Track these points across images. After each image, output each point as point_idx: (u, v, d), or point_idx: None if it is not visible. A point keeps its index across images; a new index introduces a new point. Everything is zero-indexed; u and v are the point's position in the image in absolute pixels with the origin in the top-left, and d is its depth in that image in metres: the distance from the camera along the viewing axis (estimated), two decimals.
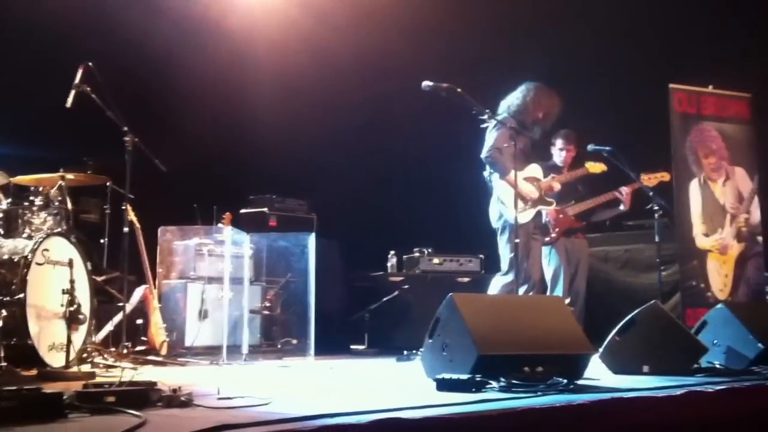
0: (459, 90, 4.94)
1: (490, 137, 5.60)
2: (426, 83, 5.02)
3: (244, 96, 7.32)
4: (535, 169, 5.77)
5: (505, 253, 5.64)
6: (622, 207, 5.92)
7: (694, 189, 6.44)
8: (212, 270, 6.21)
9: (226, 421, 2.34)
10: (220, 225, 6.06)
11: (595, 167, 5.95)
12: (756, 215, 6.63)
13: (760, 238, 6.61)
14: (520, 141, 5.62)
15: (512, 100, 5.75)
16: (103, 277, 5.60)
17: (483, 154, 5.58)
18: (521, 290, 5.56)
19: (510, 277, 5.53)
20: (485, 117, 4.96)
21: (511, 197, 5.48)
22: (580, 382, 3.82)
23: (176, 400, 2.80)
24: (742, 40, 7.01)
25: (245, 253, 6.09)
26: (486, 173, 5.79)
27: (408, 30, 7.61)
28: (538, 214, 5.76)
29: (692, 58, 6.94)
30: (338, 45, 7.52)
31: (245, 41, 7.28)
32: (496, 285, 5.67)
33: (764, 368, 4.54)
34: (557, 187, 5.76)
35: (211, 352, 5.76)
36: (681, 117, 6.49)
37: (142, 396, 2.79)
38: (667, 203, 6.02)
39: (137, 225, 5.58)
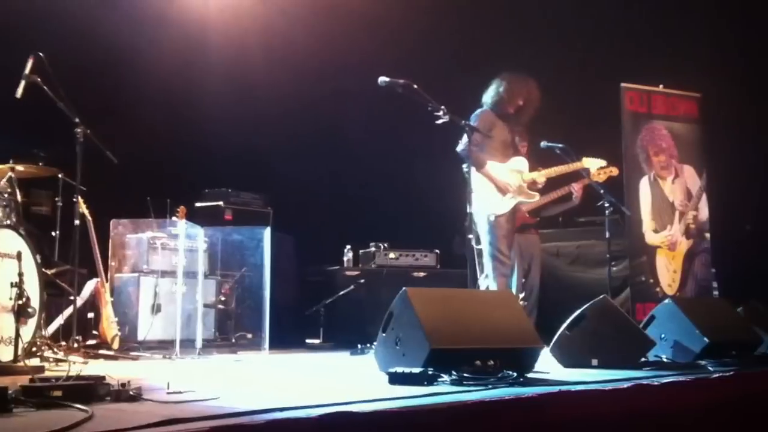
0: (415, 86, 4.95)
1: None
2: (382, 79, 5.02)
3: (199, 88, 7.24)
4: (519, 162, 5.74)
5: (484, 246, 5.63)
6: (574, 199, 5.94)
7: (644, 186, 6.57)
8: (166, 264, 6.14)
9: (174, 416, 2.33)
10: (174, 218, 6.00)
11: (591, 162, 5.88)
12: (704, 212, 6.78)
13: (707, 235, 6.77)
14: (500, 133, 5.67)
15: (489, 93, 5.76)
16: (53, 270, 5.50)
17: (458, 148, 5.57)
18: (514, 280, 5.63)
19: (490, 267, 5.53)
20: (440, 113, 4.97)
21: (488, 189, 5.50)
22: (530, 375, 3.88)
23: (124, 394, 2.77)
24: (692, 40, 7.15)
25: (199, 247, 6.04)
26: (464, 166, 5.75)
27: (368, 24, 7.61)
28: (561, 200, 5.81)
29: (643, 57, 7.07)
30: (296, 38, 7.49)
31: (201, 32, 7.21)
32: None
33: (709, 362, 4.65)
34: (542, 180, 5.74)
35: (164, 346, 5.71)
36: (632, 116, 6.61)
37: (90, 390, 2.76)
38: (618, 200, 6.12)
39: (89, 218, 5.50)
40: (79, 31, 6.34)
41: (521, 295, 5.71)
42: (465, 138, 5.51)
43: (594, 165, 5.90)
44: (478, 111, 5.70)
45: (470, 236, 5.08)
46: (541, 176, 5.72)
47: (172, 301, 5.86)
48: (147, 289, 6.06)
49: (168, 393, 3.02)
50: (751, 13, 7.21)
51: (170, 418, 2.28)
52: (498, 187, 5.57)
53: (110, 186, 5.91)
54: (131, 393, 2.79)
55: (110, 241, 6.11)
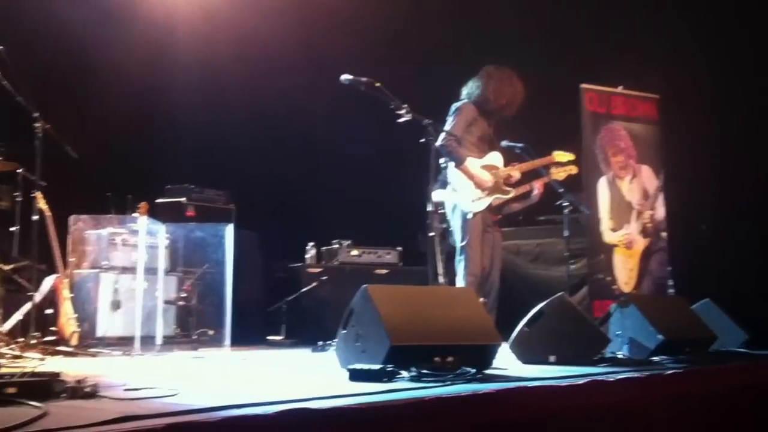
0: (378, 84, 4.96)
1: (447, 123, 5.59)
2: (345, 77, 5.02)
3: (162, 83, 7.19)
4: (495, 157, 5.71)
5: (456, 241, 5.64)
6: (533, 196, 5.94)
7: (603, 186, 6.66)
8: (126, 260, 6.10)
9: (130, 413, 2.32)
10: (135, 214, 5.94)
11: (563, 155, 5.91)
12: (661, 212, 6.90)
13: (664, 234, 6.89)
14: (478, 128, 5.67)
15: (472, 87, 5.70)
16: (11, 266, 5.44)
17: (438, 143, 5.49)
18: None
19: (462, 263, 5.55)
20: (402, 112, 5.00)
21: (466, 186, 5.51)
22: (489, 371, 3.93)
23: (80, 391, 2.75)
24: (652, 42, 7.27)
25: (160, 243, 6.00)
26: (442, 161, 5.76)
27: (335, 21, 7.61)
28: (521, 198, 5.77)
29: (603, 58, 7.16)
30: (262, 34, 7.46)
31: (165, 26, 7.14)
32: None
33: (664, 359, 4.76)
34: (516, 175, 5.71)
35: (124, 342, 5.66)
36: (591, 116, 6.70)
37: (45, 387, 2.73)
38: (577, 199, 6.20)
39: (48, 213, 5.43)
40: (39, 22, 6.26)
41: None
42: (446, 128, 5.55)
43: (565, 158, 5.93)
44: (459, 103, 5.67)
45: (431, 234, 5.11)
46: (515, 171, 5.71)
47: (132, 297, 5.82)
48: (107, 285, 6.02)
49: (125, 390, 3.01)
50: (709, 15, 7.35)
51: (126, 415, 2.27)
52: (476, 184, 5.56)
53: (70, 181, 5.85)
54: (87, 390, 2.77)
55: (70, 237, 6.05)
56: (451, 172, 5.61)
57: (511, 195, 5.73)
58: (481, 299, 5.58)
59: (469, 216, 5.55)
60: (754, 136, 7.18)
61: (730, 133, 7.22)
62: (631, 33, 7.37)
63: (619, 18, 7.48)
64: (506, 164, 5.73)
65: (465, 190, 5.55)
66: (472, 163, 5.57)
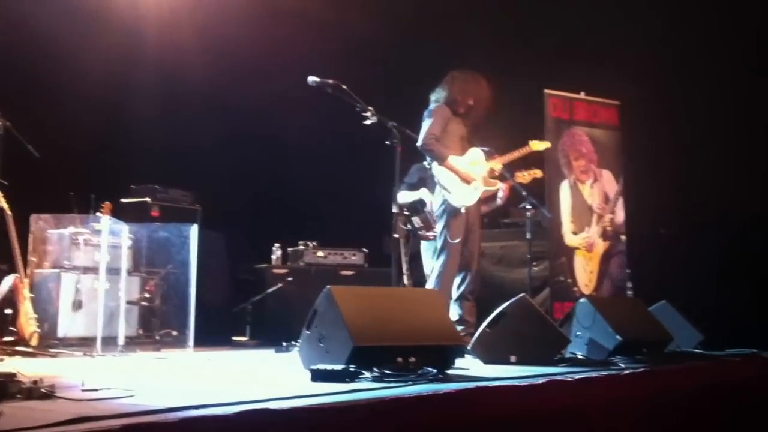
0: (344, 87, 5.00)
1: (425, 125, 5.66)
2: (312, 78, 5.05)
3: (127, 81, 7.12)
4: (476, 153, 5.79)
5: (439, 238, 5.69)
6: (499, 199, 6.02)
7: (565, 190, 6.75)
8: (88, 260, 6.03)
9: (85, 413, 2.30)
10: (98, 214, 5.89)
11: (539, 144, 6.01)
12: (620, 215, 7.01)
13: (623, 237, 6.99)
14: (456, 128, 5.73)
15: (440, 91, 5.79)
16: None
17: (419, 143, 5.60)
18: (456, 279, 5.67)
19: (441, 260, 5.60)
20: (368, 114, 5.04)
21: (454, 181, 5.56)
22: (450, 371, 3.98)
23: (36, 391, 2.72)
24: (614, 49, 7.39)
25: (123, 243, 5.94)
26: (426, 162, 5.84)
27: (303, 23, 7.62)
28: (487, 200, 5.81)
29: (566, 64, 7.26)
30: (229, 33, 7.42)
31: (130, 25, 7.07)
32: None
33: (621, 359, 4.84)
34: (499, 167, 5.79)
35: (85, 343, 5.60)
36: (555, 121, 6.79)
37: (0, 388, 2.71)
38: (539, 203, 6.28)
39: (8, 212, 5.36)
40: (1, 19, 6.17)
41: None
42: (424, 130, 5.60)
43: (542, 146, 6.05)
44: (433, 106, 5.74)
45: (396, 235, 5.16)
46: (497, 164, 5.79)
47: (94, 298, 5.76)
48: (68, 285, 5.94)
49: (83, 390, 2.99)
50: (669, 23, 7.49)
51: (81, 416, 2.25)
52: (463, 179, 5.64)
53: (32, 180, 5.78)
54: (43, 390, 2.74)
55: (31, 236, 5.97)
56: (437, 170, 5.68)
57: (497, 187, 5.82)
58: (456, 294, 5.64)
59: (462, 210, 5.61)
60: (711, 142, 7.34)
61: (688, 139, 7.37)
62: (593, 39, 7.48)
63: (582, 25, 7.59)
64: (486, 159, 5.80)
65: (453, 186, 5.62)
66: (456, 159, 5.66)
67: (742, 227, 7.14)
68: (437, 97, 5.81)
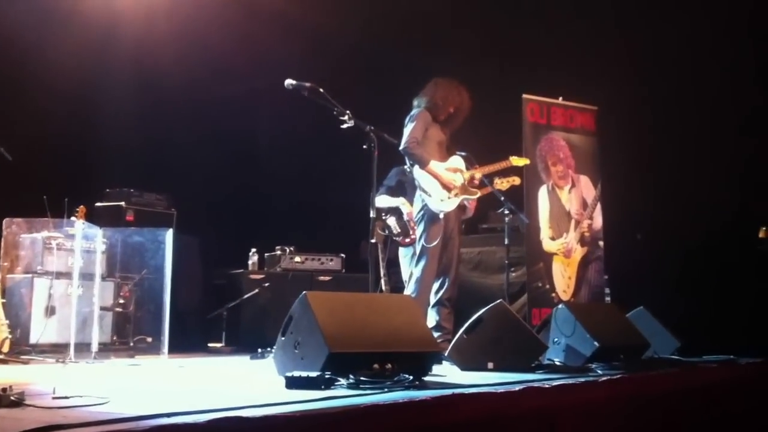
0: (321, 90, 4.97)
1: (407, 129, 5.67)
2: (289, 82, 5.02)
3: (102, 84, 7.05)
4: (457, 161, 5.81)
5: (418, 243, 5.68)
6: (468, 211, 6.00)
7: (543, 195, 6.76)
8: (61, 265, 5.94)
9: (56, 422, 2.25)
10: (72, 218, 5.81)
11: (519, 160, 6.07)
12: (598, 221, 7.03)
13: (601, 243, 7.01)
14: (436, 134, 5.74)
15: (423, 96, 5.81)
16: None
17: (401, 147, 5.61)
18: (435, 285, 5.65)
19: (420, 265, 5.58)
20: (345, 118, 5.01)
21: (434, 186, 5.56)
22: (427, 378, 3.94)
23: (6, 399, 2.66)
24: (591, 55, 7.43)
25: (97, 248, 5.87)
26: (407, 166, 5.84)
27: (278, 25, 7.59)
28: (461, 205, 5.78)
29: (544, 69, 7.29)
30: (205, 35, 7.38)
31: (106, 26, 7.00)
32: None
33: (599, 365, 4.84)
34: (479, 176, 5.80)
35: (58, 350, 5.52)
36: (532, 126, 6.80)
37: None
38: (517, 208, 6.29)
39: None
40: None
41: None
42: (406, 134, 5.59)
43: (521, 162, 6.08)
44: (414, 112, 5.75)
45: (373, 240, 5.13)
46: (477, 173, 5.81)
47: (67, 303, 5.69)
48: (41, 290, 5.85)
49: (54, 398, 2.94)
50: (647, 30, 7.55)
51: (51, 425, 2.21)
52: (443, 185, 5.65)
53: (4, 184, 5.70)
54: (13, 398, 2.68)
55: (2, 240, 5.88)
56: (418, 174, 5.68)
57: (477, 195, 5.84)
58: (434, 300, 5.63)
59: (441, 216, 5.60)
60: (687, 147, 7.39)
61: (664, 144, 7.42)
62: (570, 45, 7.52)
63: (559, 30, 7.62)
64: (467, 168, 5.82)
65: (434, 191, 5.62)
66: (437, 165, 5.66)
67: (719, 232, 7.19)
68: (419, 102, 5.83)
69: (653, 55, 7.50)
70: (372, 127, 5.03)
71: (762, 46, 7.21)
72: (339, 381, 3.57)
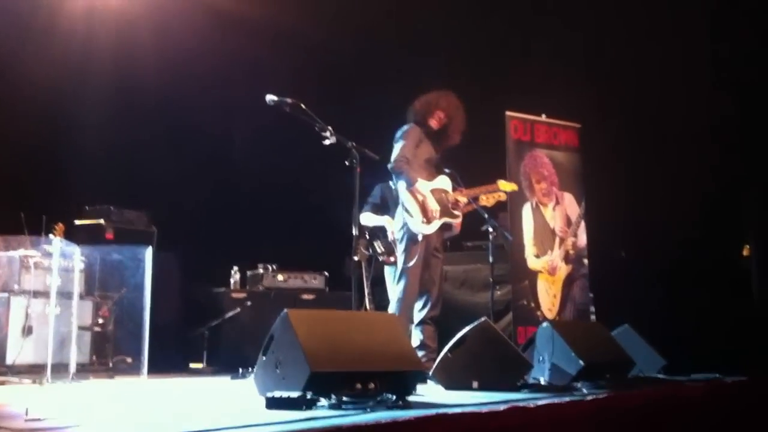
0: (303, 106, 4.94)
1: (397, 146, 5.63)
2: (270, 97, 4.98)
3: (82, 100, 6.98)
4: (443, 181, 5.76)
5: (399, 262, 5.63)
6: (453, 228, 5.96)
7: (527, 212, 6.72)
8: (39, 283, 5.85)
9: None
10: (50, 236, 5.72)
11: (506, 185, 6.01)
12: (582, 239, 7.00)
13: (585, 261, 6.98)
14: (425, 151, 5.70)
15: (409, 111, 5.79)
16: None
17: (389, 164, 5.58)
18: (418, 304, 5.58)
19: (401, 285, 5.53)
20: (327, 134, 4.97)
21: (416, 208, 5.51)
22: (411, 398, 3.88)
23: None
24: (574, 72, 7.45)
25: (75, 266, 5.78)
26: (392, 182, 5.80)
27: (259, 40, 7.56)
28: (443, 226, 5.73)
29: (528, 86, 7.29)
30: (185, 51, 7.33)
31: (81, 41, 6.93)
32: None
33: (584, 384, 4.79)
34: (463, 201, 5.77)
35: (35, 370, 5.43)
36: (516, 143, 6.78)
37: None
38: (501, 226, 6.25)
39: None
40: None
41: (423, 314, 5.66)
42: (396, 152, 5.55)
43: (508, 187, 6.04)
44: (406, 127, 5.72)
45: (356, 258, 5.09)
46: (462, 197, 5.77)
47: (44, 323, 5.58)
48: (18, 310, 5.76)
49: (26, 420, 2.86)
50: (630, 48, 7.57)
51: None
52: (426, 206, 5.59)
53: None
54: None
55: None
56: (402, 193, 5.62)
57: (460, 219, 5.79)
58: (417, 319, 5.57)
59: (419, 238, 5.55)
60: (671, 164, 7.40)
61: (648, 162, 7.42)
62: (554, 62, 7.53)
63: (542, 47, 7.65)
64: (454, 189, 5.80)
65: (416, 212, 5.57)
66: (423, 186, 5.62)
67: (704, 250, 7.20)
68: (410, 114, 5.82)
69: (637, 72, 7.52)
70: (354, 143, 4.99)
71: (745, 65, 7.24)
72: (320, 401, 3.50)
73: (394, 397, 3.68)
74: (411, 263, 5.54)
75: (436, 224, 5.66)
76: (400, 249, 5.67)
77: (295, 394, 3.45)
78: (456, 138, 5.88)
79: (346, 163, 4.98)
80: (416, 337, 5.58)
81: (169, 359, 6.44)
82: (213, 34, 7.31)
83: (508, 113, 6.75)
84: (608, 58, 7.54)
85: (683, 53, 7.37)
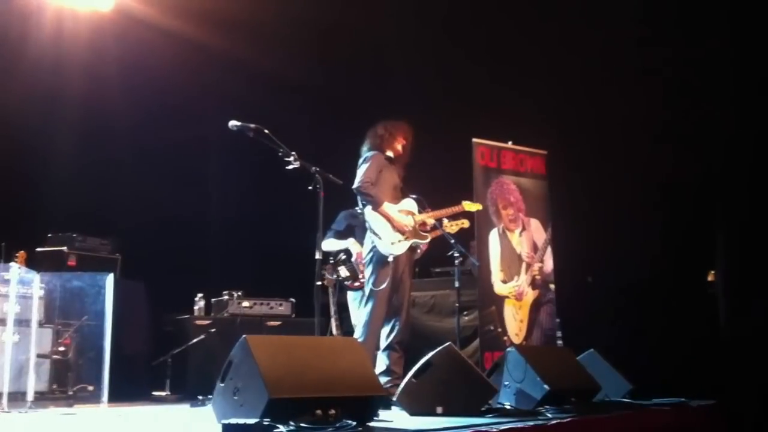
0: (266, 131, 4.92)
1: (360, 170, 5.63)
2: (233, 123, 4.96)
3: (46, 127, 6.92)
4: (409, 203, 5.77)
5: (367, 286, 5.59)
6: (419, 251, 5.96)
7: (494, 238, 6.74)
8: None
9: None
10: (10, 264, 5.62)
11: (471, 206, 6.06)
12: (549, 264, 7.03)
13: (552, 286, 7.00)
14: (390, 175, 5.71)
15: (368, 140, 5.81)
16: None
17: (354, 186, 5.56)
18: (385, 328, 5.53)
19: (368, 308, 5.48)
20: (291, 159, 4.95)
21: (385, 229, 5.49)
22: (372, 424, 3.83)
23: None
24: (540, 98, 7.52)
25: (34, 293, 5.67)
26: (358, 207, 5.79)
27: (224, 66, 7.57)
28: (412, 248, 5.71)
29: (495, 114, 7.34)
30: (151, 75, 7.31)
31: (47, 68, 6.89)
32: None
33: (549, 409, 4.76)
34: (430, 222, 5.78)
35: None
36: (483, 170, 6.81)
37: None
38: (468, 251, 6.24)
39: None
40: None
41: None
42: (360, 175, 5.55)
43: (473, 207, 6.09)
44: (369, 154, 5.72)
45: (318, 283, 5.05)
46: (429, 218, 5.78)
47: (1, 351, 5.45)
48: None
49: None
50: (596, 73, 7.66)
51: None
52: (395, 227, 5.58)
53: None
54: None
55: None
56: (370, 215, 5.62)
57: (428, 240, 5.78)
58: (384, 344, 5.52)
59: (390, 259, 5.53)
60: (636, 191, 7.46)
61: (614, 188, 7.47)
62: (520, 90, 7.60)
63: (509, 74, 7.71)
64: (420, 211, 5.80)
65: (384, 234, 5.56)
66: (390, 207, 5.61)
67: (669, 276, 7.24)
68: (367, 146, 5.81)
69: (602, 100, 7.59)
70: (317, 168, 4.97)
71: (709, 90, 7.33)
72: (278, 428, 3.43)
73: (355, 424, 3.62)
74: (381, 287, 5.50)
75: (406, 244, 5.64)
76: (368, 272, 5.63)
77: (252, 421, 3.39)
78: (406, 158, 5.91)
79: (309, 188, 4.96)
80: (382, 363, 5.52)
81: (133, 387, 6.34)
82: (179, 62, 7.30)
83: (474, 140, 6.79)
84: (574, 85, 7.61)
85: (648, 80, 7.46)
